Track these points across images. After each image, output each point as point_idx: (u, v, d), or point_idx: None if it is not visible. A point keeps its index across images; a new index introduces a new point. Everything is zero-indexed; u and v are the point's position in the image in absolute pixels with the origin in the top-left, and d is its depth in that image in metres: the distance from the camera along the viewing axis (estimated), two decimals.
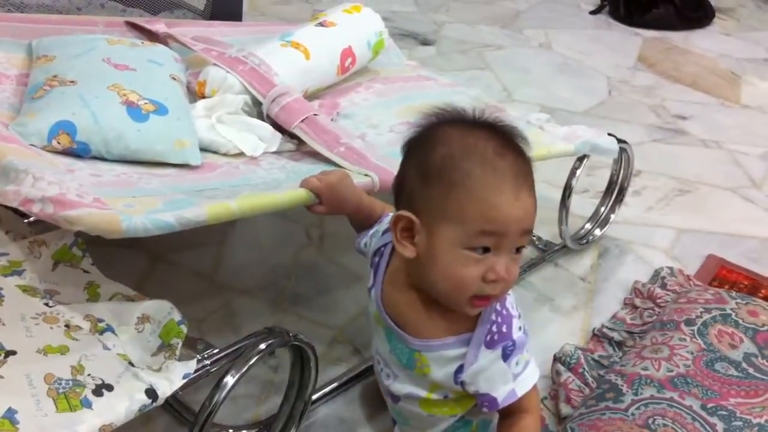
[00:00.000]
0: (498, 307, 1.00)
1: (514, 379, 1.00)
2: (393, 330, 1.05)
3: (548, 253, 1.68)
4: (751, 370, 1.34)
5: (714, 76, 2.76)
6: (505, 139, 0.95)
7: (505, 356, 0.99)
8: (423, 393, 1.06)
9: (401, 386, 1.08)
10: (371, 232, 1.13)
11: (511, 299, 1.03)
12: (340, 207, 1.14)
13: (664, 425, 1.22)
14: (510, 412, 1.03)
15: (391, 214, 1.04)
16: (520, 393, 1.00)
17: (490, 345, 0.99)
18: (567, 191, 1.60)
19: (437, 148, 0.95)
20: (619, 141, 1.63)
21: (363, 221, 1.17)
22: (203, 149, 1.25)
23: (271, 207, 1.10)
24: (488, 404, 1.01)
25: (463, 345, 1.00)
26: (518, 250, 0.96)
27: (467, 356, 1.00)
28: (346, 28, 1.58)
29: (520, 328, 1.01)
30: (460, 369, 1.01)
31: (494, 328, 0.99)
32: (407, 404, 1.09)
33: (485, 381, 1.00)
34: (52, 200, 0.93)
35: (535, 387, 1.03)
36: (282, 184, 1.18)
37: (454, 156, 0.94)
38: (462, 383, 1.02)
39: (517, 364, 1.00)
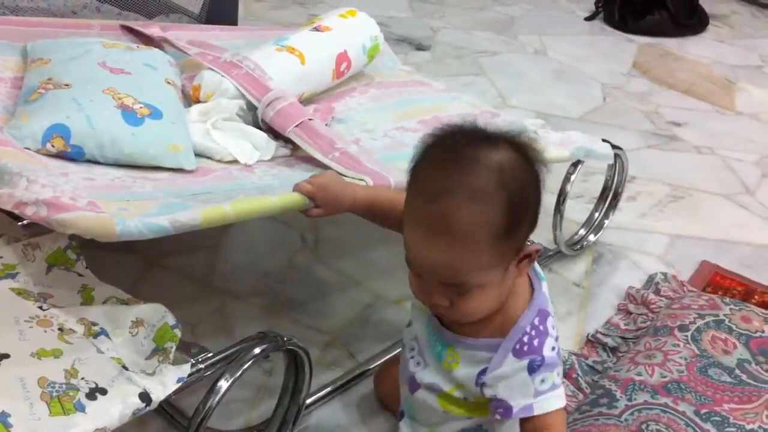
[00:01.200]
0: (536, 321, 0.99)
1: (535, 396, 0.98)
2: (432, 321, 1.05)
3: (542, 258, 1.68)
4: (744, 377, 1.35)
5: (708, 83, 2.77)
6: (461, 184, 0.89)
7: (531, 369, 0.98)
8: (447, 387, 1.05)
9: (427, 375, 1.07)
10: None
11: (553, 321, 1.01)
12: (336, 206, 1.13)
13: (658, 430, 1.22)
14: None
15: None
16: (537, 411, 0.98)
17: (517, 354, 0.98)
18: (561, 197, 1.60)
19: (420, 160, 0.95)
20: (614, 147, 1.63)
21: (384, 217, 1.14)
22: (197, 155, 1.25)
23: (266, 211, 1.10)
24: (502, 411, 0.99)
25: (493, 350, 1.00)
26: (459, 291, 0.94)
27: (493, 360, 0.99)
28: (342, 32, 1.58)
29: (553, 348, 0.99)
30: (483, 371, 1.00)
31: (525, 339, 0.98)
32: (425, 395, 1.08)
33: (505, 387, 0.99)
34: (46, 203, 0.93)
35: (560, 413, 1.00)
36: (275, 189, 1.18)
37: (419, 178, 0.94)
38: (482, 385, 1.00)
39: (542, 381, 0.98)
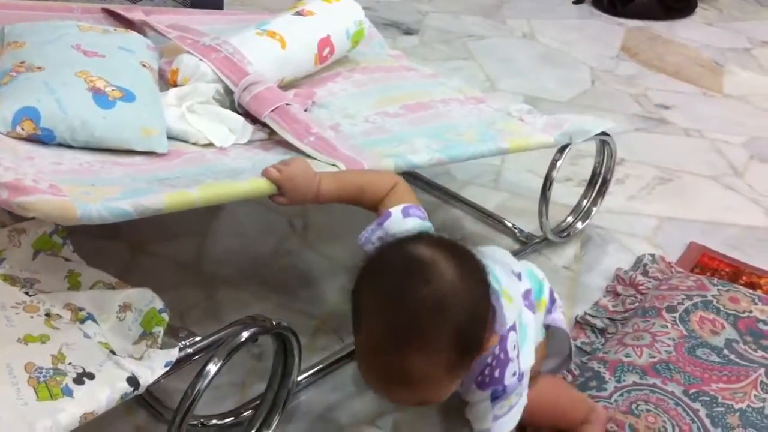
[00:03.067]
0: (497, 350, 1.01)
1: (493, 421, 1.02)
2: None
3: (529, 245, 1.68)
4: (732, 357, 1.35)
5: (696, 66, 2.77)
6: (405, 337, 0.88)
7: (493, 398, 1.02)
8: None
9: None
10: (369, 230, 1.09)
11: (513, 338, 1.02)
12: (300, 198, 1.11)
13: (647, 410, 1.22)
14: None
15: (395, 209, 1.04)
16: None
17: (480, 386, 1.02)
18: (547, 183, 1.59)
19: (361, 297, 0.94)
20: (601, 134, 1.62)
21: (355, 204, 1.13)
22: (172, 138, 1.23)
23: (233, 196, 1.09)
24: None
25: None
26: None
27: (461, 391, 1.04)
28: (324, 17, 1.56)
29: (514, 374, 1.02)
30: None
31: (487, 371, 1.01)
32: None
33: (471, 414, 1.05)
34: (7, 186, 0.93)
35: None
36: (246, 171, 1.17)
37: (362, 325, 0.94)
38: None
39: (500, 407, 1.02)
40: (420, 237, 0.96)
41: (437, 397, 0.95)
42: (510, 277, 1.09)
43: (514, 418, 1.03)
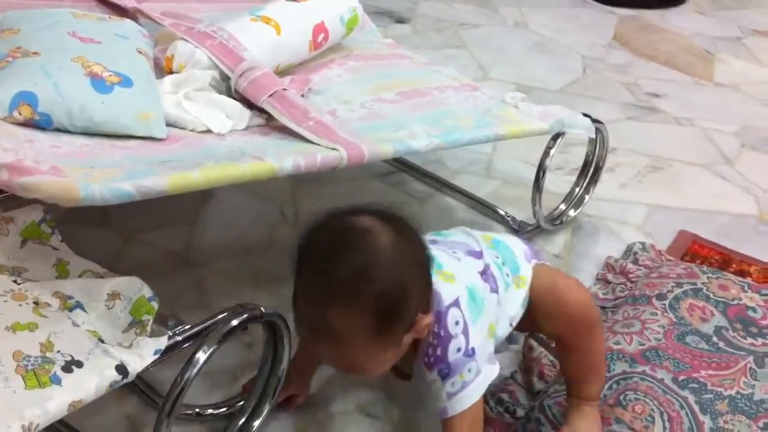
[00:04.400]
0: (436, 328, 1.03)
1: (448, 399, 1.04)
2: None
3: (521, 233, 1.68)
4: (721, 344, 1.36)
5: (688, 55, 2.77)
6: (330, 294, 0.93)
7: (442, 377, 1.03)
8: None
9: None
10: None
11: (455, 314, 1.04)
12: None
13: (636, 399, 1.23)
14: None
15: None
16: (451, 413, 1.04)
17: (428, 366, 1.04)
18: (541, 172, 1.59)
19: (300, 255, 0.98)
20: (594, 121, 1.63)
21: None
22: (170, 125, 1.23)
23: (234, 178, 1.09)
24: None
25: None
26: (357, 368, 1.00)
27: (417, 371, 1.08)
28: (319, 3, 1.56)
29: (458, 350, 1.03)
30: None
31: (430, 351, 1.04)
32: None
33: (433, 393, 1.06)
34: (7, 167, 0.92)
35: (472, 409, 1.04)
36: (245, 154, 1.16)
37: (299, 275, 0.98)
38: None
39: (452, 384, 1.03)
40: (369, 208, 0.99)
41: (365, 365, 0.99)
42: (458, 257, 1.10)
43: (472, 393, 1.04)
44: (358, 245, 0.94)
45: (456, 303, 1.04)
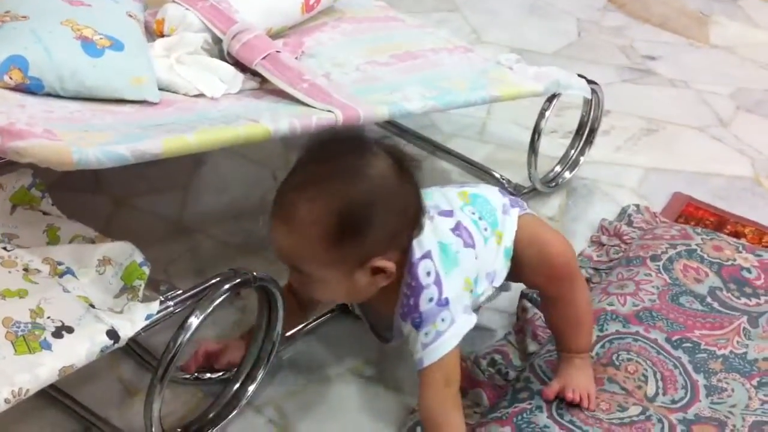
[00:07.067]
0: (408, 278, 1.05)
1: (423, 349, 1.05)
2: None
3: (517, 196, 1.67)
4: (715, 304, 1.36)
5: (683, 17, 2.74)
6: (310, 183, 0.98)
7: (416, 327, 1.05)
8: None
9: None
10: None
11: (427, 265, 1.06)
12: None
13: (629, 359, 1.23)
14: (419, 382, 1.07)
15: None
16: (427, 362, 1.05)
17: (403, 317, 1.07)
18: (536, 134, 1.58)
19: (303, 154, 1.02)
20: (590, 82, 1.62)
21: None
22: (162, 89, 1.22)
23: (229, 141, 1.09)
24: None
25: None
26: (298, 270, 1.03)
27: (396, 325, 1.10)
28: None
29: (431, 300, 1.05)
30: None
31: (404, 301, 1.06)
32: None
33: (410, 346, 1.07)
34: (0, 131, 0.91)
35: (447, 358, 1.05)
36: (240, 116, 1.15)
37: (293, 167, 1.03)
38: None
39: (426, 334, 1.05)
40: (390, 144, 1.04)
41: (305, 265, 1.01)
42: (431, 216, 1.10)
43: (446, 342, 1.05)
44: (357, 157, 0.99)
45: (427, 255, 1.06)
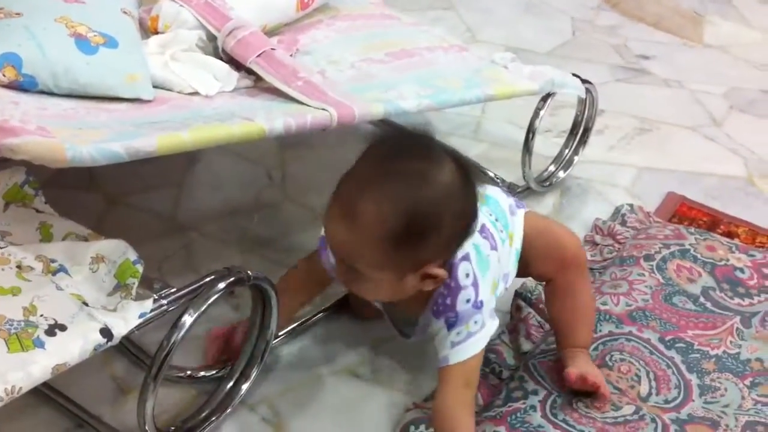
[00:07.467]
0: (448, 279, 1.05)
1: (451, 347, 1.06)
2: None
3: (512, 195, 1.67)
4: (708, 304, 1.36)
5: (677, 16, 2.75)
6: (380, 183, 0.96)
7: (449, 326, 1.06)
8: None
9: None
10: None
11: (466, 267, 1.07)
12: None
13: (621, 359, 1.23)
14: (439, 380, 1.08)
15: None
16: (452, 361, 1.06)
17: (436, 315, 1.07)
18: (530, 133, 1.59)
19: (370, 148, 1.02)
20: (584, 81, 1.62)
21: None
22: (156, 87, 1.21)
23: (224, 139, 1.08)
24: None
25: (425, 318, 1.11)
26: (350, 267, 1.00)
27: (424, 322, 1.11)
28: None
29: (467, 301, 1.06)
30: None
31: (440, 300, 1.06)
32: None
33: (437, 343, 1.09)
34: None
35: (473, 359, 1.07)
36: (235, 115, 1.15)
37: (359, 162, 1.01)
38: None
39: (458, 334, 1.06)
40: (457, 152, 1.02)
41: (360, 263, 0.99)
42: None
43: (474, 345, 1.06)
44: (426, 160, 0.97)
45: (467, 257, 1.07)
